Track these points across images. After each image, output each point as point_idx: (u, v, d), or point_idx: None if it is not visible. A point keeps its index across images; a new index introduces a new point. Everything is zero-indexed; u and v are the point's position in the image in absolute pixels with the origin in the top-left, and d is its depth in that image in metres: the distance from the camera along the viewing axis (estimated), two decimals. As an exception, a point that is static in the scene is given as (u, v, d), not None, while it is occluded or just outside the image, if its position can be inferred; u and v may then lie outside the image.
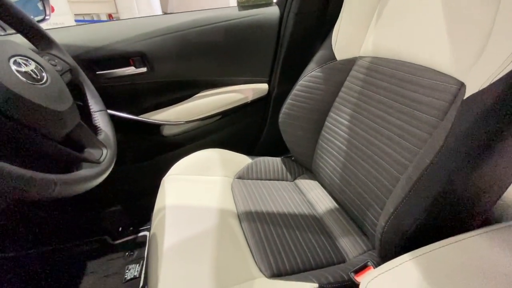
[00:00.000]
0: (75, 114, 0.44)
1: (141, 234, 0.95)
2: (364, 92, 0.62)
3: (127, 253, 0.89)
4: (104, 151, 0.46)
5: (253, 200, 0.67)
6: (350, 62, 0.68)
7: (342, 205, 0.68)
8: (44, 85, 0.39)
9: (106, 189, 0.90)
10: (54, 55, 0.50)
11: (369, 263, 0.45)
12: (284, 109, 0.77)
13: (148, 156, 0.90)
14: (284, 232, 0.59)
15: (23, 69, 0.37)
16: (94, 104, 0.54)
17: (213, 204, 0.62)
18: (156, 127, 0.86)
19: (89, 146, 0.45)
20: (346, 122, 0.65)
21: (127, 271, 0.82)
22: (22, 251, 0.84)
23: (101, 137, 0.49)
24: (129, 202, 0.95)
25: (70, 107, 0.42)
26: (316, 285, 0.45)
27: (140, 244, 0.92)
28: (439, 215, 0.40)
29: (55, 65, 0.47)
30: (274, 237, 0.57)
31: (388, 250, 0.48)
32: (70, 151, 0.40)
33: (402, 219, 0.42)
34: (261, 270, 0.50)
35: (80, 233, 0.93)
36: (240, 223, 0.60)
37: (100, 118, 0.53)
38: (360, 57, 0.66)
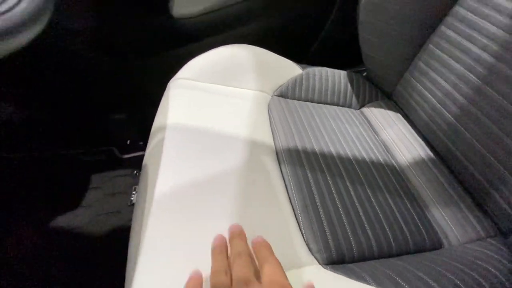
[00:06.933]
0: None
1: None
2: None
3: (135, 172, 0.76)
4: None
5: (301, 132, 0.43)
6: None
7: (446, 160, 0.42)
8: None
9: (107, 89, 0.71)
10: None
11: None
12: None
13: (154, 50, 0.64)
14: (349, 188, 0.37)
15: None
16: None
17: (237, 131, 0.40)
18: (162, 1, 0.57)
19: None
20: (483, 39, 0.32)
21: (134, 192, 0.70)
22: (21, 153, 0.73)
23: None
24: (135, 110, 0.76)
25: None
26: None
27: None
28: None
29: None
30: (333, 195, 0.35)
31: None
32: None
33: None
34: (311, 251, 0.30)
35: (84, 139, 0.79)
36: (280, 165, 0.38)
37: None
38: None
